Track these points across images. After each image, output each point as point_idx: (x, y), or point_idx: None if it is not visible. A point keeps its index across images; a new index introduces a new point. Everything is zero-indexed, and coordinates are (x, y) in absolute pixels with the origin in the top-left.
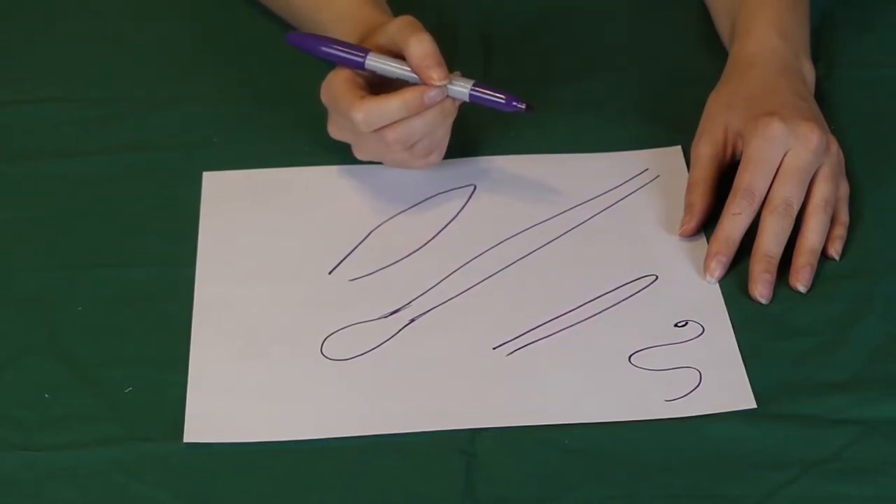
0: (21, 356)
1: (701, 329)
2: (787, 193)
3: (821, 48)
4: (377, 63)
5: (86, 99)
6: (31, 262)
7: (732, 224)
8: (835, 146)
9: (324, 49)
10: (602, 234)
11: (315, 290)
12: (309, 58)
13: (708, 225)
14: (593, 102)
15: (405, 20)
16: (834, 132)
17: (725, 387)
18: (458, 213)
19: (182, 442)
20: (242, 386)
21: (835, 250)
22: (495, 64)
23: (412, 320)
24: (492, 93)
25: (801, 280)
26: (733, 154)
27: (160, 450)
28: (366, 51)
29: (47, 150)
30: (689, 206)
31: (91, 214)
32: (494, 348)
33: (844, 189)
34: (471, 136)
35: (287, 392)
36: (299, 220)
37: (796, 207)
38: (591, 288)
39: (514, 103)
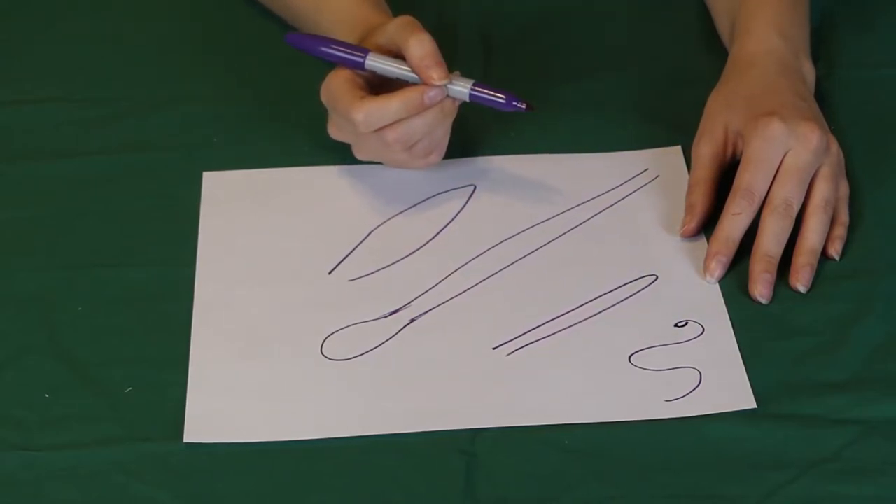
0: (21, 356)
1: (701, 329)
2: (787, 193)
3: (821, 48)
4: (377, 63)
5: (86, 99)
6: (31, 262)
7: (732, 224)
8: (835, 146)
9: (323, 49)
10: (602, 234)
11: (315, 290)
12: (309, 58)
13: (708, 225)
14: (593, 102)
15: (405, 20)
16: (834, 132)
17: (725, 387)
18: (457, 213)
19: (182, 442)
20: (242, 386)
21: (835, 250)
22: (495, 64)
23: (412, 320)
24: (492, 92)
25: (801, 280)
26: (733, 154)
27: (160, 450)
28: (365, 51)
29: (47, 150)
30: (689, 207)
31: (91, 214)
32: (494, 348)
33: (844, 189)
34: (471, 136)
35: (287, 392)
36: (299, 220)
37: (796, 207)
38: (591, 288)
39: (514, 103)
